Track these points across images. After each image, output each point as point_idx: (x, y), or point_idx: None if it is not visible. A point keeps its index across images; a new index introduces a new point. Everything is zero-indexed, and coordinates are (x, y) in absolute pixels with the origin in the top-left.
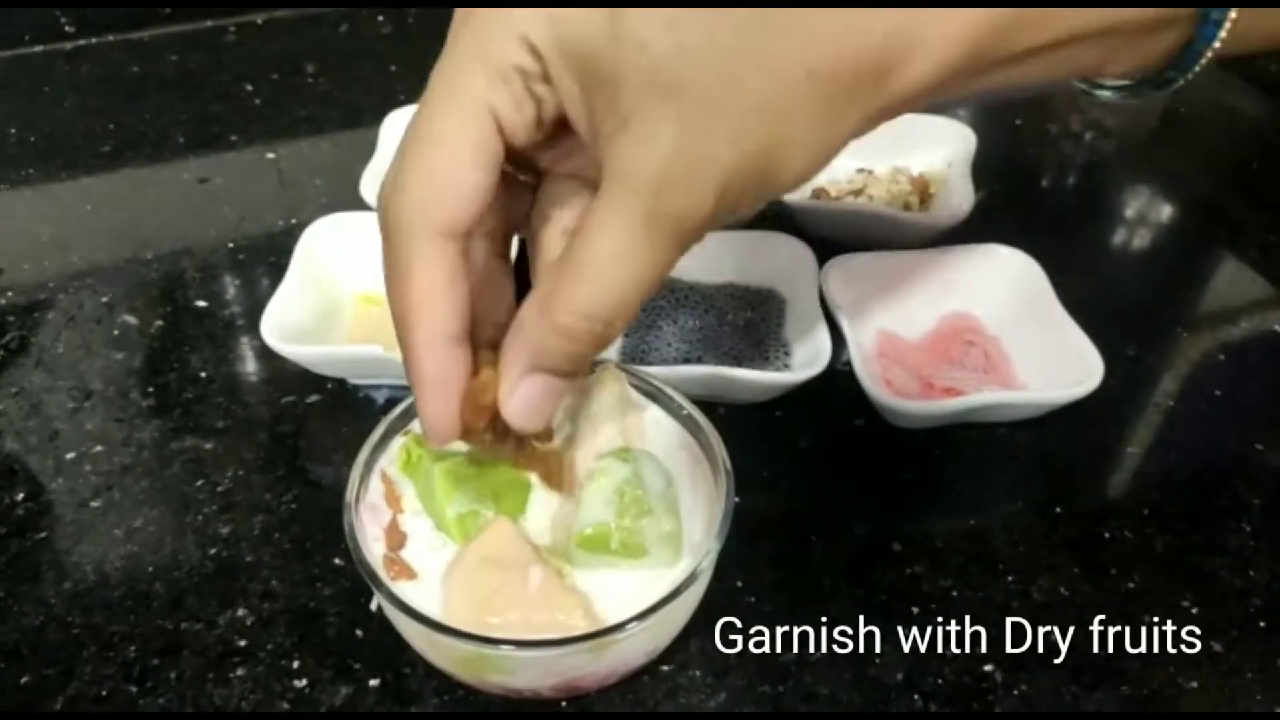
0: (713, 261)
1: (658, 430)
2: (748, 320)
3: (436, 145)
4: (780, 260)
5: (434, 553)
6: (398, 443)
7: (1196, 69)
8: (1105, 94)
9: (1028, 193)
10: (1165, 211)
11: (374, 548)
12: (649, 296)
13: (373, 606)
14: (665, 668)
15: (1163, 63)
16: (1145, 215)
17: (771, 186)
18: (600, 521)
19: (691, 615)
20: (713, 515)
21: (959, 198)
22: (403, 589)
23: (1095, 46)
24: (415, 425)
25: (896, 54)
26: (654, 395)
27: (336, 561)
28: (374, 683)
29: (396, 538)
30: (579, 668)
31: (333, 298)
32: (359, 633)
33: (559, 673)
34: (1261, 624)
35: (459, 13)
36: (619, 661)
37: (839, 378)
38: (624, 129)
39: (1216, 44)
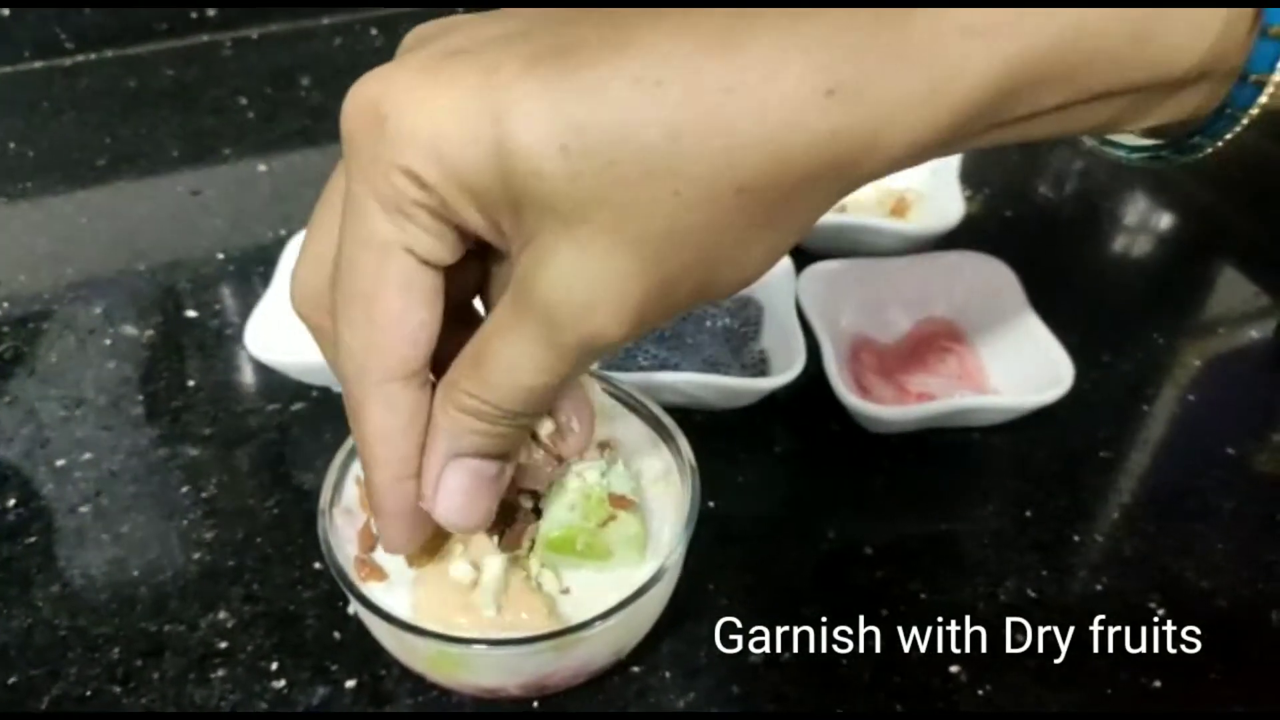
0: None
1: (627, 435)
2: (725, 327)
3: (367, 299)
4: None
5: (402, 564)
6: None
7: (1229, 136)
8: (1119, 154)
9: (1013, 200)
10: (1146, 219)
11: (347, 549)
12: (559, 391)
13: (351, 610)
14: (635, 668)
15: (1189, 126)
16: (1126, 222)
17: (706, 298)
18: (566, 525)
19: (661, 616)
20: (680, 516)
21: (948, 207)
22: (373, 590)
23: (1106, 106)
24: None
25: (854, 147)
26: (624, 401)
27: (316, 566)
28: (350, 684)
29: (368, 540)
30: (545, 666)
31: None
32: (337, 635)
33: (526, 671)
34: (1228, 626)
35: (345, 149)
36: (586, 659)
37: (815, 384)
38: (526, 248)
39: (1255, 109)
